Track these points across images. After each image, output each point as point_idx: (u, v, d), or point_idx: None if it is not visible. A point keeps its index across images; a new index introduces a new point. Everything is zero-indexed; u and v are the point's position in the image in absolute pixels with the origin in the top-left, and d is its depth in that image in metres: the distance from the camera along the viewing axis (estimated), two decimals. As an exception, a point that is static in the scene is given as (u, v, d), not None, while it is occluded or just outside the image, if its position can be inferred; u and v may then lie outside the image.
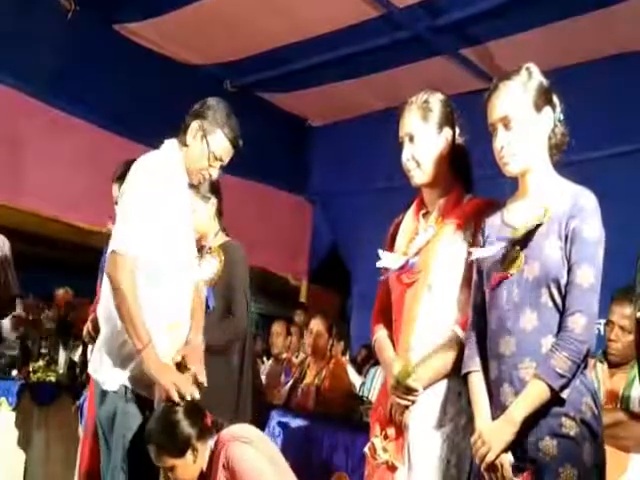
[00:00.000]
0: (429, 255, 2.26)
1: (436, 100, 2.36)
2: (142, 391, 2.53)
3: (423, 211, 2.40)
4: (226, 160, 2.70)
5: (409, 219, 2.42)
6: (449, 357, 2.20)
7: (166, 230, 2.56)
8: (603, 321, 3.32)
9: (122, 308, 2.44)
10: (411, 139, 2.34)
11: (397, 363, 2.24)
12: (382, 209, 3.63)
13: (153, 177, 2.55)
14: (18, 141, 4.50)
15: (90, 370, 2.68)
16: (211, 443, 2.57)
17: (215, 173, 2.69)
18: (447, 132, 2.35)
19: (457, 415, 2.19)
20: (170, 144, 2.69)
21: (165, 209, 2.55)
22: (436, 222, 2.32)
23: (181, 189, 2.66)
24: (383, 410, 2.30)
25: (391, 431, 2.24)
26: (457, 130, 2.40)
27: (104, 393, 2.56)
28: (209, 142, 2.62)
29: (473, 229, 2.25)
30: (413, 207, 2.44)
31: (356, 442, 3.28)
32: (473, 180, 2.45)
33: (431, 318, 2.24)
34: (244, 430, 2.67)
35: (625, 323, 3.11)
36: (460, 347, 2.18)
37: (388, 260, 2.36)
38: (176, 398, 2.42)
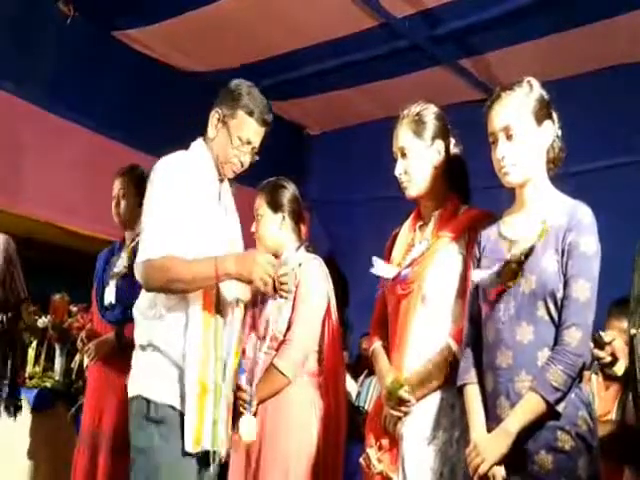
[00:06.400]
0: (423, 266, 2.27)
1: (428, 113, 2.36)
2: None
3: (420, 223, 2.41)
4: (256, 141, 2.44)
5: (406, 231, 2.43)
6: (442, 368, 2.21)
7: (196, 230, 2.30)
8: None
9: (180, 282, 2.20)
10: (403, 153, 2.34)
11: (390, 374, 2.25)
12: (380, 217, 3.63)
13: (176, 178, 2.30)
14: (17, 147, 4.48)
15: None
16: None
17: (247, 159, 2.43)
18: (440, 145, 2.35)
19: (450, 427, 2.19)
20: (196, 143, 2.47)
21: (192, 210, 2.29)
22: (432, 234, 2.33)
23: (211, 187, 2.42)
24: (378, 421, 2.30)
25: (385, 442, 2.25)
26: (452, 141, 2.40)
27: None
28: (230, 126, 2.39)
29: (468, 240, 2.26)
30: (410, 219, 2.45)
31: (352, 452, 3.26)
32: (470, 190, 2.45)
33: (425, 329, 2.24)
34: None
35: (622, 337, 3.10)
36: (454, 358, 2.19)
37: (381, 268, 2.37)
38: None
